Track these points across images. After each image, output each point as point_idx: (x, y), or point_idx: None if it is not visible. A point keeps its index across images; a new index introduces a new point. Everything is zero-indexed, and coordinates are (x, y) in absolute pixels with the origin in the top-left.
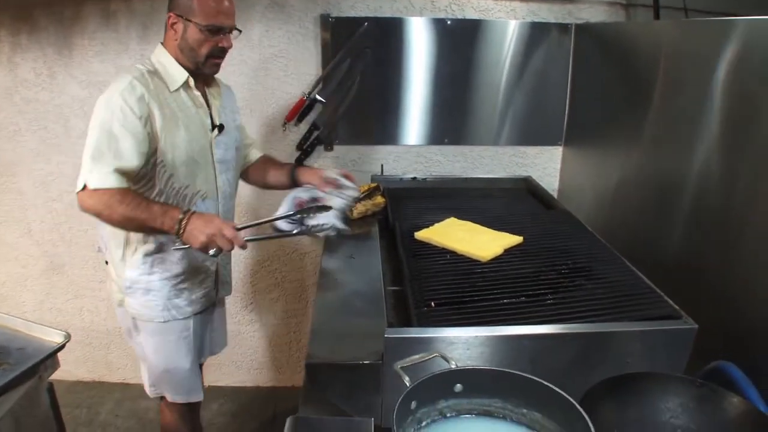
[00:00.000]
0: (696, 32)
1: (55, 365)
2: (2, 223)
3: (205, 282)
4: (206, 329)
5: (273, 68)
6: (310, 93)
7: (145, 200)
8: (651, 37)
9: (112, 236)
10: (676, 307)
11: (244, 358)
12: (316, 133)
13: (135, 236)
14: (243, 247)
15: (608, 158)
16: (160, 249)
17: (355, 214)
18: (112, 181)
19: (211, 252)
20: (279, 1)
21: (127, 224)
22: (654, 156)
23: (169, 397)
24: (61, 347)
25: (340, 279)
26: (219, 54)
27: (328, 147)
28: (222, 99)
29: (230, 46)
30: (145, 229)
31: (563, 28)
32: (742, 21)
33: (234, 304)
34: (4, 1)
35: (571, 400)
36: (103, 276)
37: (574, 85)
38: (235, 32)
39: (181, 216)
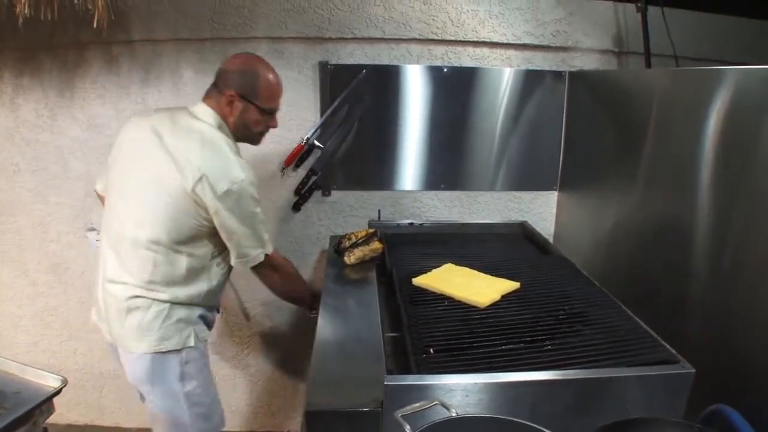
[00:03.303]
0: (687, 80)
1: (51, 410)
2: None
3: None
4: None
5: None
6: (308, 139)
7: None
8: (643, 85)
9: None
10: (673, 351)
11: (239, 402)
12: (314, 179)
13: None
14: None
15: (603, 203)
16: None
17: (353, 259)
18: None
19: None
20: (279, 48)
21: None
22: (648, 200)
23: None
24: (58, 392)
25: (338, 325)
26: (266, 132)
27: (326, 192)
28: None
29: (276, 126)
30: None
31: (557, 75)
32: (732, 70)
33: (230, 348)
34: (8, 43)
35: None
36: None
37: (568, 131)
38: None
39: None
